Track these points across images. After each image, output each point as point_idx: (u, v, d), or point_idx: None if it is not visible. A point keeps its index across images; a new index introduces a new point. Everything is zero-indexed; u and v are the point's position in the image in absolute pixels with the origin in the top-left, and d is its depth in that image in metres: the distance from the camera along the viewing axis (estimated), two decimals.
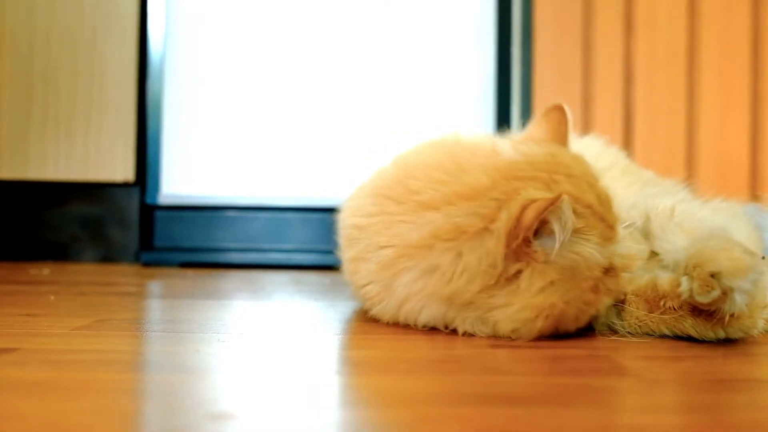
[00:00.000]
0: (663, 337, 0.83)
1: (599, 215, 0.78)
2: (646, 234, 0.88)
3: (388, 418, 0.53)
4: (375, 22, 1.91)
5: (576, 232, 0.76)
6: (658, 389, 0.61)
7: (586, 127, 1.87)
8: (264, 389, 0.61)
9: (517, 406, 0.55)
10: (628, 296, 0.83)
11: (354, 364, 0.74)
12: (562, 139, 0.87)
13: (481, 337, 0.81)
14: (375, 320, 0.92)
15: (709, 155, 1.92)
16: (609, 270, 0.79)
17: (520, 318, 0.76)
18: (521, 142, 0.85)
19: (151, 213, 1.91)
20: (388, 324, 0.89)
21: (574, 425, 0.50)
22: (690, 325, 0.80)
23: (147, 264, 1.84)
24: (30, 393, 0.57)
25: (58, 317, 0.96)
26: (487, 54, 1.92)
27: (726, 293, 0.74)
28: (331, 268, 1.69)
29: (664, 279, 0.83)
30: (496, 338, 0.80)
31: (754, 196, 1.88)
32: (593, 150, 1.04)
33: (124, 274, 1.61)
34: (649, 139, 1.92)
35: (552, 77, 1.92)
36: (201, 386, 0.61)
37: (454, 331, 0.83)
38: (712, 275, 0.74)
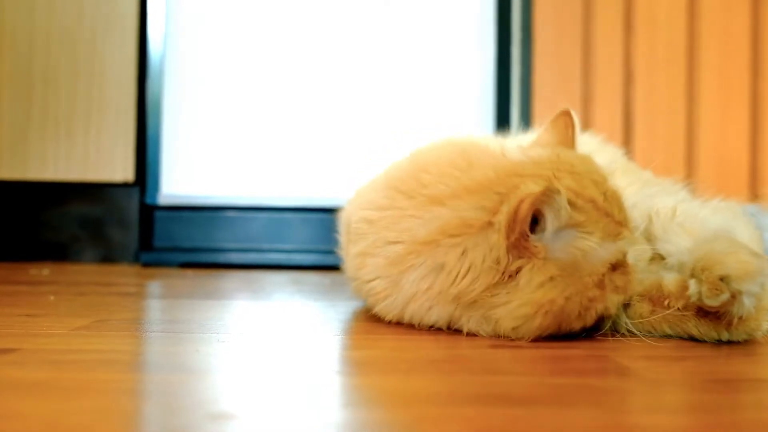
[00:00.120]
0: (664, 337, 0.83)
1: (604, 211, 0.78)
2: (648, 235, 0.88)
3: (389, 418, 0.53)
4: (375, 22, 1.91)
5: (576, 226, 0.76)
6: (659, 389, 0.61)
7: (585, 127, 1.87)
8: (264, 389, 0.61)
9: (518, 406, 0.55)
10: (632, 296, 0.83)
11: (354, 364, 0.74)
12: (569, 142, 0.87)
13: (483, 337, 0.81)
14: (376, 320, 0.92)
15: (709, 155, 1.93)
16: (617, 266, 0.79)
17: (519, 314, 0.76)
18: (529, 147, 0.86)
19: (150, 213, 1.91)
20: (389, 323, 0.89)
21: (574, 425, 0.50)
22: (693, 326, 0.81)
23: (147, 264, 1.84)
24: (30, 393, 0.57)
25: (58, 317, 0.96)
26: (487, 54, 1.92)
27: (735, 296, 0.75)
28: (331, 268, 1.69)
29: (670, 280, 0.83)
30: (497, 338, 0.80)
31: (754, 196, 1.88)
32: (589, 147, 1.04)
33: (123, 274, 1.61)
34: (649, 139, 1.92)
35: (552, 77, 1.92)
36: (201, 386, 0.61)
37: (456, 331, 0.83)
38: (721, 278, 0.75)
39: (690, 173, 1.90)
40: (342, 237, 1.04)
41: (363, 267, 0.88)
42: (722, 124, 1.93)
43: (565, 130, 0.88)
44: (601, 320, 0.81)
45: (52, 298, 1.15)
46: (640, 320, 0.83)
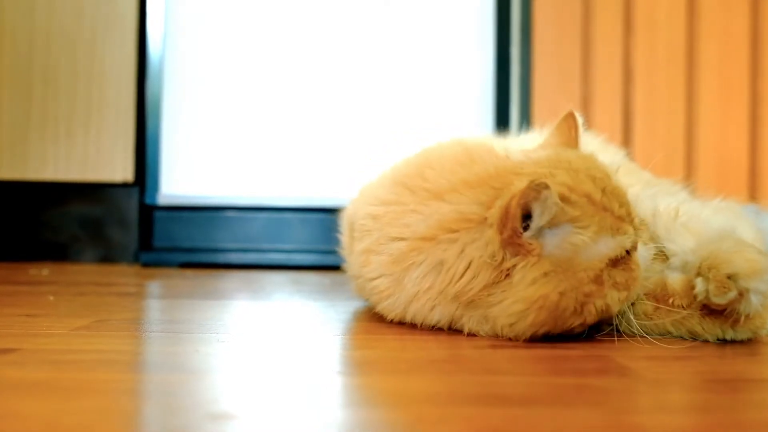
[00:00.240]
0: (666, 336, 0.82)
1: (601, 205, 0.77)
2: (651, 234, 0.88)
3: (389, 418, 0.53)
4: (375, 22, 1.91)
5: (571, 221, 0.75)
6: (659, 389, 0.61)
7: (585, 127, 1.87)
8: (264, 389, 0.61)
9: (518, 406, 0.55)
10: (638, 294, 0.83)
11: (354, 364, 0.74)
12: (572, 142, 0.88)
13: (483, 337, 0.81)
14: (376, 320, 0.92)
15: (708, 155, 1.93)
16: (618, 262, 0.78)
17: (513, 311, 0.76)
18: (532, 150, 0.86)
19: (150, 213, 1.91)
20: (389, 323, 0.89)
21: (574, 425, 0.50)
22: (697, 324, 0.81)
23: (146, 264, 1.84)
24: (30, 393, 0.57)
25: (58, 317, 0.96)
26: (487, 54, 1.92)
27: (742, 294, 0.75)
28: (331, 268, 1.69)
29: (674, 279, 0.83)
30: (498, 339, 0.80)
31: (753, 196, 1.88)
32: (591, 148, 1.04)
33: (123, 274, 1.61)
34: (649, 139, 1.92)
35: (551, 77, 1.92)
36: (201, 386, 0.61)
37: (457, 331, 0.83)
38: (729, 277, 0.75)
39: (690, 173, 1.90)
40: (344, 236, 1.04)
41: (367, 264, 0.88)
42: (722, 124, 1.93)
43: (568, 132, 0.88)
44: (603, 319, 0.80)
45: (51, 298, 1.15)
46: (643, 319, 0.82)
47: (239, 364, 0.71)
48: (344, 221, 1.04)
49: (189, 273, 1.67)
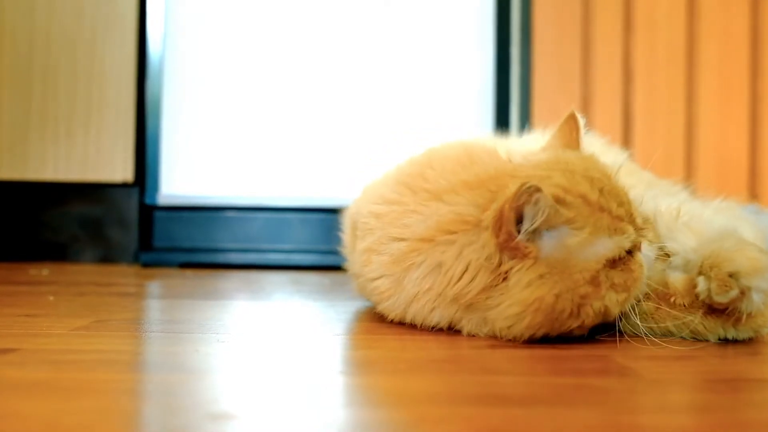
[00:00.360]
0: (667, 335, 0.82)
1: (597, 206, 0.76)
2: (655, 233, 0.88)
3: (389, 418, 0.53)
4: (375, 22, 1.91)
5: (567, 222, 0.75)
6: (659, 389, 0.61)
7: (587, 129, 1.87)
8: (263, 389, 0.61)
9: (518, 406, 0.55)
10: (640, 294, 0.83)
11: (354, 364, 0.74)
12: (574, 144, 0.87)
13: (482, 337, 0.81)
14: (376, 319, 0.92)
15: (708, 155, 1.93)
16: (617, 263, 0.77)
17: (510, 314, 0.76)
18: (533, 153, 0.86)
19: (150, 213, 1.91)
20: (389, 323, 0.89)
21: (574, 425, 0.50)
22: (699, 323, 0.80)
23: (146, 264, 1.84)
24: (30, 393, 0.57)
25: (58, 317, 0.96)
26: (487, 54, 1.92)
27: (744, 292, 0.75)
28: (331, 268, 1.69)
29: (676, 278, 0.83)
30: (497, 339, 0.80)
31: (753, 196, 1.88)
32: (593, 149, 1.04)
33: (123, 274, 1.61)
34: (649, 139, 1.92)
35: (551, 77, 1.92)
36: (201, 386, 0.61)
37: (457, 331, 0.83)
38: (731, 275, 0.75)
39: (689, 173, 1.90)
40: (346, 234, 1.04)
41: (368, 264, 0.88)
42: (722, 125, 1.93)
43: (569, 134, 0.88)
44: (604, 320, 0.79)
45: (51, 298, 1.15)
46: (645, 318, 0.82)
47: (239, 364, 0.71)
48: (347, 219, 1.04)
49: (189, 273, 1.67)
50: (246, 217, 1.91)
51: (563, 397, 0.58)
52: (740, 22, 1.93)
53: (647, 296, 0.82)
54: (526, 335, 0.77)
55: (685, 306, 0.81)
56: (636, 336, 0.81)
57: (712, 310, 0.80)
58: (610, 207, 0.77)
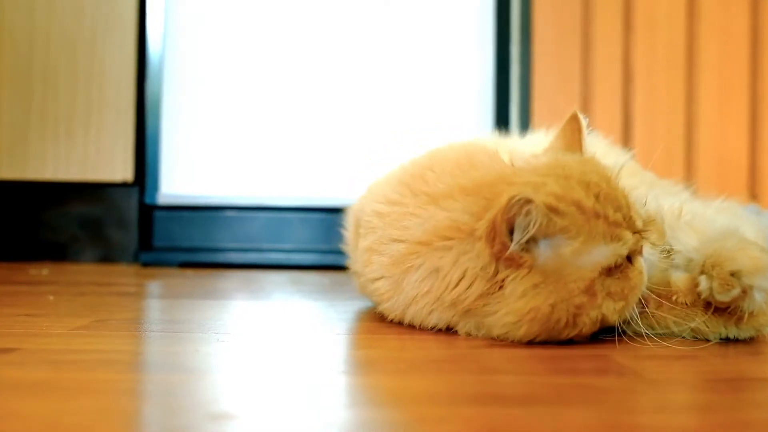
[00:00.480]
0: (667, 335, 0.82)
1: (592, 212, 0.75)
2: (660, 232, 0.88)
3: (390, 417, 0.53)
4: (375, 22, 1.91)
5: (561, 231, 0.73)
6: (659, 389, 0.61)
7: (589, 129, 1.87)
8: (264, 389, 0.61)
9: (517, 406, 0.55)
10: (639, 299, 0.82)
11: (355, 364, 0.74)
12: (576, 146, 0.86)
13: (481, 337, 0.81)
14: (376, 319, 0.92)
15: (708, 155, 1.93)
16: (613, 270, 0.76)
17: (505, 322, 0.76)
18: (534, 156, 0.85)
19: (150, 213, 1.91)
20: (389, 323, 0.89)
21: (574, 425, 0.50)
22: (701, 321, 0.80)
23: (146, 264, 1.84)
24: (30, 393, 0.57)
25: (58, 317, 0.96)
26: (486, 54, 1.92)
27: (746, 291, 0.75)
28: (331, 267, 1.69)
29: (678, 277, 0.83)
30: (497, 339, 0.79)
31: (753, 196, 1.88)
32: (596, 150, 1.04)
33: (123, 274, 1.61)
34: (649, 139, 1.92)
35: (551, 77, 1.92)
36: (201, 386, 0.61)
37: (456, 331, 0.83)
38: (732, 274, 0.75)
39: (689, 173, 1.90)
40: (349, 232, 1.04)
41: (369, 264, 0.88)
42: (721, 125, 1.93)
43: (571, 135, 0.87)
44: (602, 327, 0.78)
45: (51, 298, 1.15)
46: (645, 316, 0.82)
47: (239, 364, 0.71)
48: (350, 217, 1.04)
49: (189, 273, 1.67)
50: (246, 216, 1.91)
51: (563, 396, 0.58)
52: (740, 22, 1.93)
53: (648, 299, 0.82)
54: (525, 341, 0.77)
55: (687, 305, 0.81)
56: (636, 335, 0.80)
57: (714, 309, 0.80)
58: (606, 213, 0.75)
